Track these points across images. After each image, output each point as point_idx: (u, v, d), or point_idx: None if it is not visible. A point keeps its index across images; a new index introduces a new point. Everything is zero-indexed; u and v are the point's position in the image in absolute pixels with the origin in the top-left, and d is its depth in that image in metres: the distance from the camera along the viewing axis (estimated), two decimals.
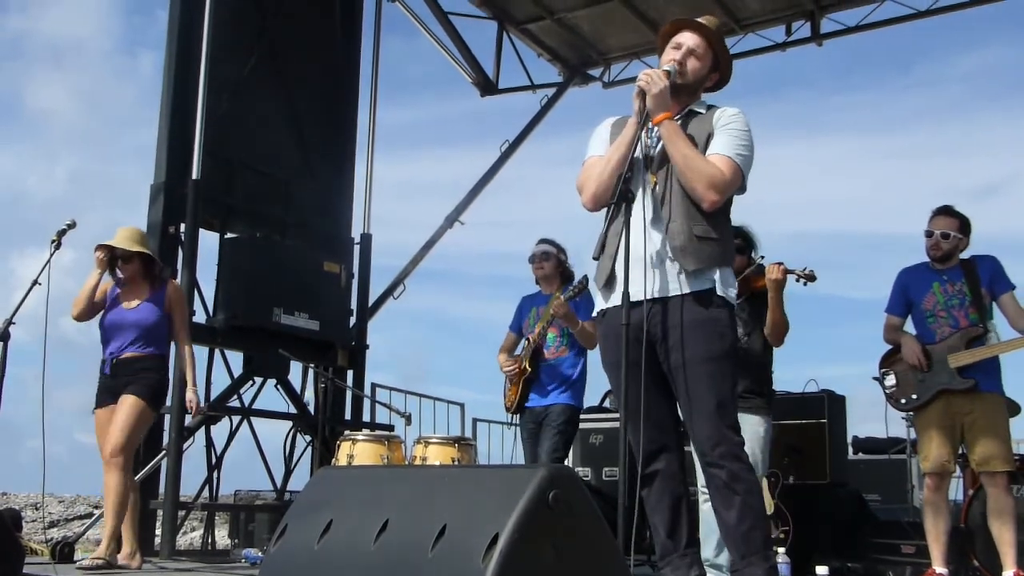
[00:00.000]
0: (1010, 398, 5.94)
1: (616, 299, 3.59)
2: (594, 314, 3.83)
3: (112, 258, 5.64)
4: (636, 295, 3.53)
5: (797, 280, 5.28)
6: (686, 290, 3.53)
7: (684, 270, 3.53)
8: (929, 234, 5.49)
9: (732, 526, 3.46)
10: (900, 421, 6.57)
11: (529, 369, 5.96)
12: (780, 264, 5.12)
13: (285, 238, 8.11)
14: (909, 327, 5.67)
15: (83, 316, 5.66)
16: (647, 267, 3.54)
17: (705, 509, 5.17)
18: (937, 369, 5.37)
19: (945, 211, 5.54)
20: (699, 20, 3.80)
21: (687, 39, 3.72)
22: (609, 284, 3.67)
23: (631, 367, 3.50)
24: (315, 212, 8.48)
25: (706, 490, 4.44)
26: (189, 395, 5.67)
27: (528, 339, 6.04)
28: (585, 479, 8.63)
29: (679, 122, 3.67)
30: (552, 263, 6.17)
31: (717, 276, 3.56)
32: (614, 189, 3.50)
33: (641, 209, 3.60)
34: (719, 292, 3.55)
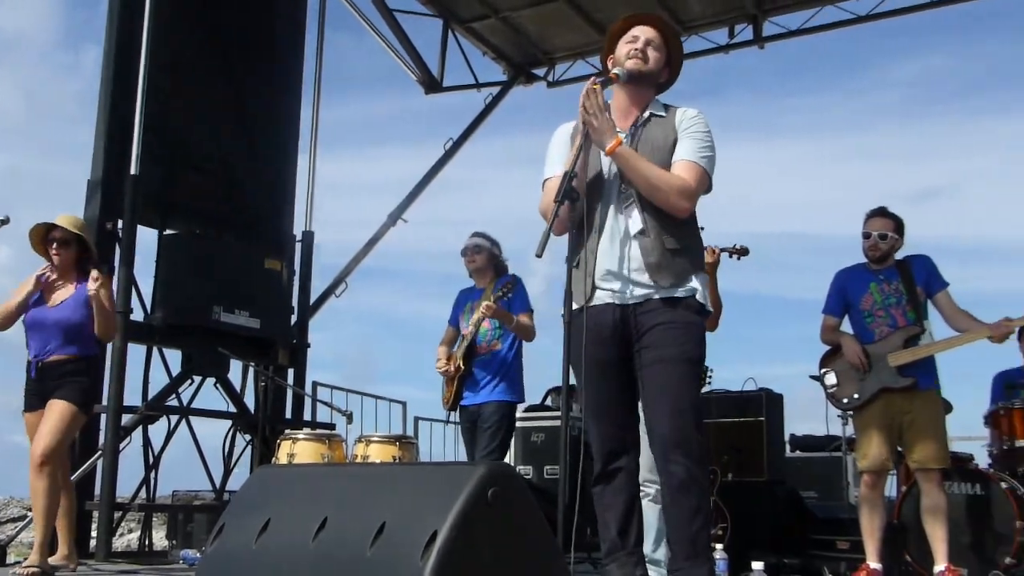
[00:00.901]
0: (943, 397, 6.07)
1: (594, 299, 3.64)
2: (577, 304, 3.81)
3: (47, 240, 5.46)
4: (617, 300, 3.60)
5: (731, 256, 5.41)
6: (664, 295, 3.56)
7: (661, 287, 3.56)
8: (867, 235, 5.59)
9: (682, 526, 3.50)
10: (837, 419, 6.66)
11: (463, 367, 5.93)
12: (711, 247, 5.26)
13: (225, 235, 8.02)
14: (845, 327, 5.77)
15: (4, 327, 5.49)
16: (622, 276, 3.59)
17: (645, 505, 5.23)
18: (877, 368, 5.47)
19: (881, 212, 5.65)
20: (653, 15, 3.84)
21: (643, 31, 3.75)
22: (590, 292, 3.67)
23: (600, 366, 3.60)
24: (256, 209, 8.39)
25: (647, 486, 4.51)
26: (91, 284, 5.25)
27: (463, 335, 6.01)
28: (527, 477, 8.66)
29: (642, 128, 3.70)
30: (484, 256, 6.12)
31: (692, 282, 3.60)
32: (562, 194, 3.50)
33: (614, 213, 3.64)
34: (698, 298, 3.60)
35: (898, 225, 5.65)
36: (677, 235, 3.59)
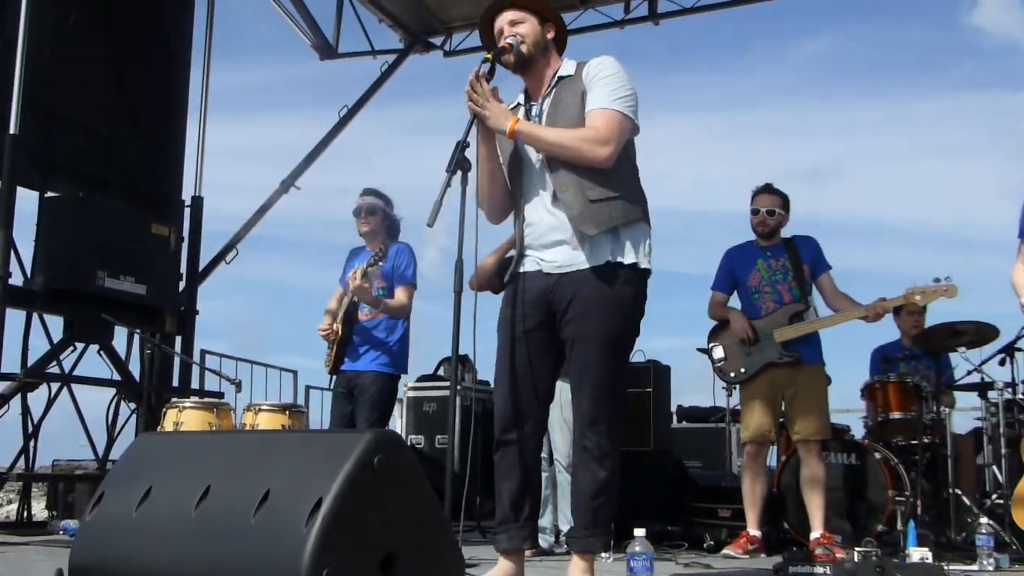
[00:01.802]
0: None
1: (524, 266, 3.68)
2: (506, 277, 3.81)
3: None
4: (545, 268, 3.62)
5: None
6: (590, 263, 3.56)
7: (585, 236, 3.54)
8: (755, 212, 5.73)
9: (587, 497, 3.57)
10: (722, 391, 6.83)
11: (340, 332, 5.81)
12: None
13: (110, 198, 7.79)
14: (733, 304, 5.92)
15: None
16: (547, 245, 3.62)
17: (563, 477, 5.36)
18: (763, 343, 5.64)
19: (768, 189, 5.79)
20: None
21: (505, 16, 3.74)
22: (519, 259, 3.72)
23: (515, 335, 3.64)
24: (143, 173, 8.17)
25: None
26: None
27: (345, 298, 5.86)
28: (418, 447, 8.68)
29: (552, 93, 3.71)
30: (378, 217, 5.95)
31: (620, 241, 3.56)
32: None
33: (537, 186, 3.66)
34: (625, 260, 3.56)
35: (784, 201, 5.81)
36: (600, 188, 3.56)
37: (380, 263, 5.64)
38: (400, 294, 5.80)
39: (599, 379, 3.55)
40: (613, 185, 3.59)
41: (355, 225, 6.03)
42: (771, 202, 5.76)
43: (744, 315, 5.74)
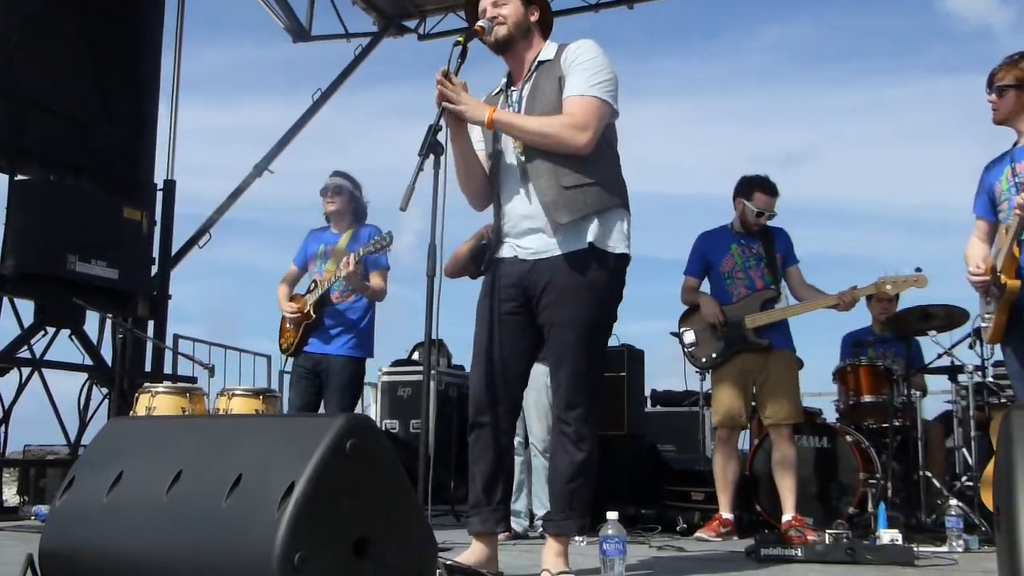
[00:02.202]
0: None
1: (501, 252, 3.69)
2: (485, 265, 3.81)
3: None
4: (521, 254, 3.62)
5: None
6: (563, 250, 3.55)
7: (558, 224, 3.53)
8: (760, 214, 5.74)
9: (564, 481, 3.58)
10: (695, 375, 6.85)
11: (314, 316, 5.74)
12: None
13: (82, 182, 7.73)
14: (705, 289, 5.95)
15: None
16: (523, 231, 3.62)
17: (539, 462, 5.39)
18: (734, 329, 5.67)
19: (773, 190, 5.80)
20: None
21: None
22: (497, 246, 3.72)
23: (492, 319, 3.65)
24: (115, 156, 8.11)
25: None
26: None
27: (316, 282, 5.81)
28: (392, 431, 8.68)
29: (531, 79, 3.68)
30: (345, 198, 5.90)
31: (594, 227, 3.54)
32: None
33: (513, 173, 3.65)
34: (599, 246, 3.54)
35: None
36: (575, 174, 3.54)
37: (378, 251, 5.62)
38: (377, 279, 5.77)
39: (576, 364, 3.56)
40: (589, 171, 3.57)
41: (322, 205, 5.99)
42: (772, 205, 5.79)
43: (715, 300, 5.77)
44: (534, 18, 3.75)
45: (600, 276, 3.57)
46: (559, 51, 3.69)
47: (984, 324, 4.28)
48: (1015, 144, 4.25)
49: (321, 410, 5.80)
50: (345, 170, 6.03)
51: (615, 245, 3.60)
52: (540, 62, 3.70)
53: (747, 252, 5.77)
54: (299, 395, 5.81)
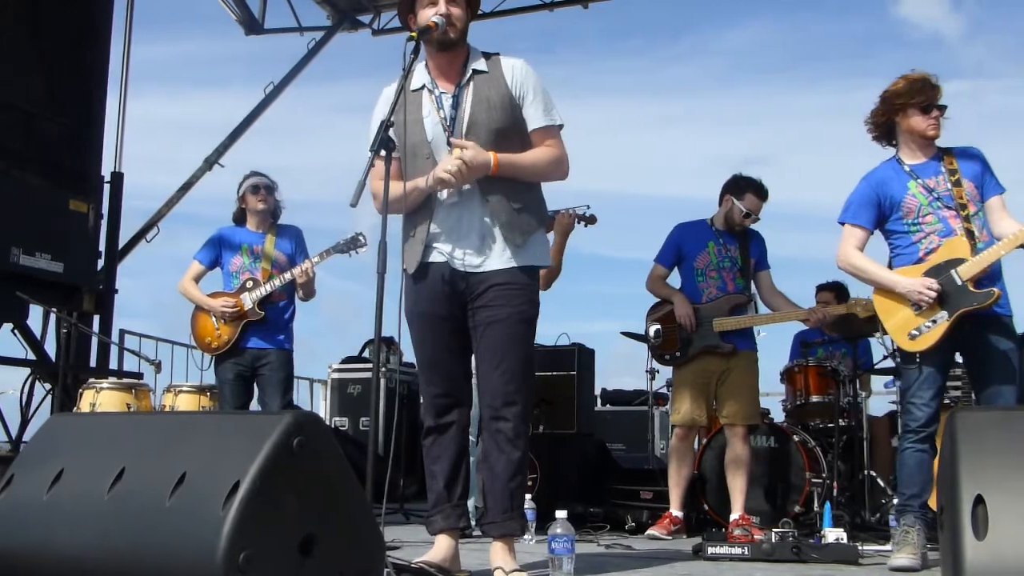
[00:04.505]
0: None
1: (432, 257, 3.68)
2: (411, 270, 3.75)
3: None
4: (455, 264, 3.64)
5: (579, 222, 5.57)
6: (507, 266, 3.62)
7: (514, 244, 3.62)
8: (748, 215, 5.75)
9: (502, 480, 3.59)
10: (644, 374, 6.87)
11: (261, 313, 5.75)
12: (569, 211, 5.51)
13: (27, 173, 7.59)
14: (673, 280, 5.95)
15: None
16: (464, 240, 3.63)
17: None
18: (702, 330, 5.69)
19: (763, 193, 5.83)
20: None
21: None
22: (425, 250, 3.70)
23: (433, 322, 3.67)
24: (61, 148, 7.98)
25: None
26: None
27: (253, 280, 5.80)
28: (342, 429, 8.63)
29: (468, 86, 3.67)
30: (274, 197, 5.98)
31: (537, 245, 3.71)
32: (377, 143, 3.45)
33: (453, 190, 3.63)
34: (533, 263, 3.69)
35: None
36: (522, 195, 3.67)
37: (346, 252, 5.70)
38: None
39: (515, 362, 3.60)
40: (531, 192, 3.73)
41: (248, 202, 5.95)
42: (760, 208, 5.81)
43: (688, 300, 5.75)
44: (471, 22, 3.78)
45: (532, 282, 3.71)
46: (491, 63, 3.72)
47: (918, 331, 4.31)
48: (901, 159, 4.44)
49: (255, 406, 5.80)
50: (296, 167, 6.02)
51: (547, 260, 3.82)
52: (476, 71, 3.71)
53: (723, 252, 5.77)
54: (236, 395, 5.80)
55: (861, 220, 4.44)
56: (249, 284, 5.80)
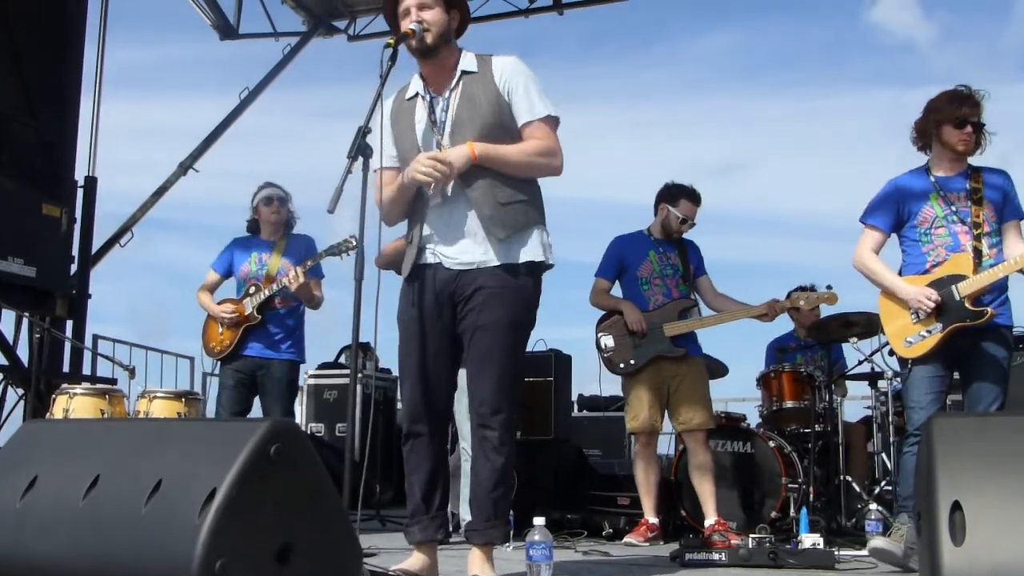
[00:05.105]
0: (719, 360, 6.41)
1: (426, 259, 3.66)
2: (404, 274, 3.76)
3: None
4: (446, 263, 3.62)
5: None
6: (496, 261, 3.58)
7: (496, 238, 3.56)
8: (684, 220, 5.82)
9: (486, 488, 3.58)
10: (618, 380, 6.88)
11: (258, 316, 5.81)
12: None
13: None
14: (616, 292, 5.99)
15: None
16: (455, 240, 3.61)
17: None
18: (653, 336, 5.73)
19: (697, 199, 5.92)
20: None
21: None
22: (419, 253, 3.69)
23: (419, 327, 3.64)
24: (34, 151, 7.89)
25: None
26: None
27: (256, 286, 5.85)
28: (318, 435, 8.59)
29: (458, 88, 3.65)
30: (286, 209, 6.07)
31: (528, 241, 3.62)
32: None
33: (442, 185, 3.60)
34: (530, 259, 3.61)
35: None
36: (509, 189, 3.60)
37: (340, 254, 5.67)
38: (317, 288, 5.91)
39: (502, 368, 3.57)
40: (521, 188, 3.64)
41: (261, 213, 6.04)
42: (696, 214, 5.89)
43: (637, 307, 5.80)
44: (454, 24, 3.74)
45: (527, 282, 3.63)
46: (481, 63, 3.70)
47: (913, 340, 4.37)
48: (931, 169, 4.49)
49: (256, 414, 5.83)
50: (273, 173, 6.05)
51: (542, 256, 3.67)
52: (464, 72, 3.69)
53: (664, 260, 5.86)
54: (234, 401, 5.86)
55: (878, 222, 4.56)
56: (251, 290, 5.87)
